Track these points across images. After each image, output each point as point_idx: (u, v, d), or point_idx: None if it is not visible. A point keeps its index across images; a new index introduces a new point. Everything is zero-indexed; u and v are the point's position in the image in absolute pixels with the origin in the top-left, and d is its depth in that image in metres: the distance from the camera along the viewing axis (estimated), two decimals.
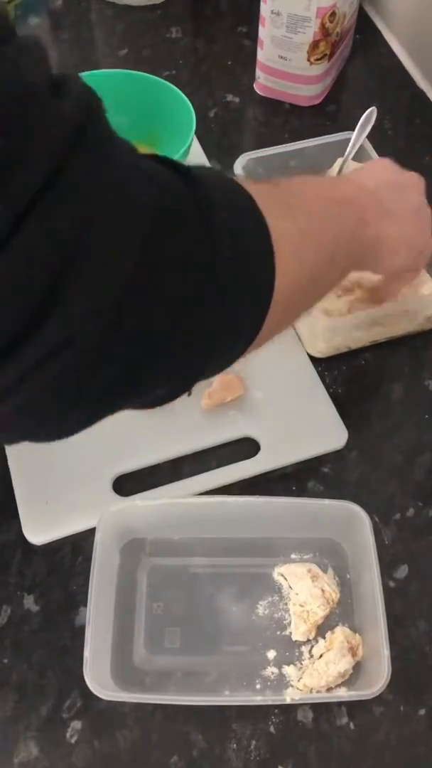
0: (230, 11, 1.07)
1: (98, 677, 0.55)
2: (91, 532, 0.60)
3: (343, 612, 0.61)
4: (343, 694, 0.56)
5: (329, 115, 0.95)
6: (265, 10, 0.88)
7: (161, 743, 0.56)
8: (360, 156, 0.82)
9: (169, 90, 0.82)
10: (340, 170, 0.81)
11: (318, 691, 0.56)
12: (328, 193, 0.56)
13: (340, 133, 0.82)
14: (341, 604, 0.61)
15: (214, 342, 0.40)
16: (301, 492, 0.67)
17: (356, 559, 0.62)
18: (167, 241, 0.36)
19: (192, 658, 0.59)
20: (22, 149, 0.30)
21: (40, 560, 0.63)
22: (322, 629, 0.60)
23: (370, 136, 0.82)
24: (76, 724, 0.57)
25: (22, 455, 0.67)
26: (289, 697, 0.56)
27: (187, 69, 1.00)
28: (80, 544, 0.63)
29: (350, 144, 0.81)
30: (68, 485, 0.66)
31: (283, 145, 0.81)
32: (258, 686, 0.57)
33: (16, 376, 0.32)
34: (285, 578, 0.61)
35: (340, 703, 0.58)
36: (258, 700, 0.57)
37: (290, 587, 0.61)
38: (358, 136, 0.81)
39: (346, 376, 0.74)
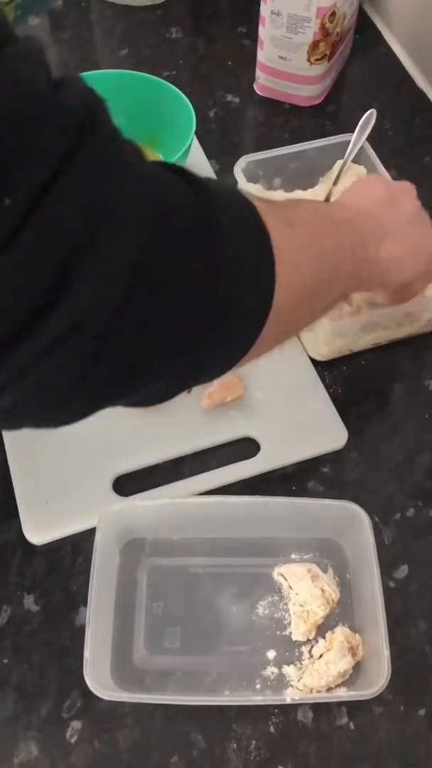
0: (230, 11, 1.07)
1: (98, 677, 0.55)
2: (91, 532, 0.60)
3: (343, 612, 0.61)
4: (343, 694, 0.56)
5: (329, 115, 0.95)
6: (265, 10, 0.88)
7: (161, 743, 0.56)
8: (360, 157, 0.82)
9: (169, 90, 0.82)
10: (340, 172, 0.81)
11: (318, 691, 0.56)
12: (326, 213, 0.57)
13: (340, 135, 0.82)
14: (341, 604, 0.61)
15: (213, 340, 0.40)
16: (301, 492, 0.67)
17: (356, 559, 0.62)
18: (170, 236, 0.36)
19: (192, 658, 0.59)
20: (28, 146, 0.31)
21: (40, 560, 0.63)
22: (322, 629, 0.60)
23: (370, 137, 0.82)
24: (76, 724, 0.57)
25: (22, 455, 0.67)
26: (289, 697, 0.56)
27: (187, 69, 1.00)
28: (80, 544, 0.63)
29: (350, 146, 0.81)
30: (68, 485, 0.66)
31: (283, 147, 0.81)
32: (258, 686, 0.57)
33: (25, 361, 0.33)
34: (285, 578, 0.61)
35: (340, 703, 0.58)
36: (258, 700, 0.57)
37: (290, 587, 0.61)
38: (357, 138, 0.81)
39: (346, 376, 0.74)
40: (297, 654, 0.59)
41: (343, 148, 0.82)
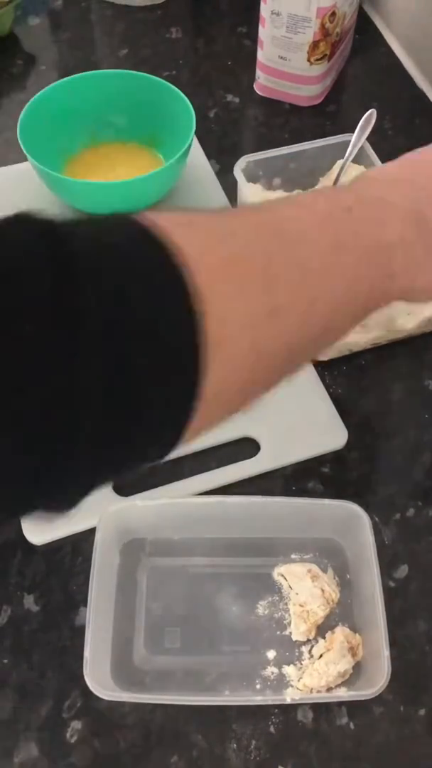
0: (230, 11, 1.07)
1: (98, 677, 0.55)
2: (91, 532, 0.60)
3: (343, 612, 0.61)
4: (343, 694, 0.56)
5: (329, 115, 0.96)
6: (265, 10, 0.88)
7: (161, 743, 0.56)
8: (360, 157, 0.82)
9: (169, 90, 0.82)
10: (340, 172, 0.81)
11: (318, 691, 0.56)
12: (337, 236, 0.39)
13: (340, 135, 0.82)
14: (341, 604, 0.61)
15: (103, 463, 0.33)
16: (301, 492, 0.67)
17: (356, 559, 0.62)
18: (14, 319, 0.26)
19: (192, 658, 0.59)
20: None
21: (40, 560, 0.63)
22: (322, 629, 0.60)
23: (370, 137, 0.82)
24: (76, 724, 0.57)
25: None
26: (289, 697, 0.56)
27: (187, 69, 1.00)
28: (80, 544, 0.63)
29: (350, 146, 0.81)
30: None
31: (283, 147, 0.81)
32: (258, 686, 0.57)
33: None
34: (285, 578, 0.61)
35: (340, 703, 0.58)
36: (258, 700, 0.57)
37: (290, 587, 0.61)
38: (357, 138, 0.81)
39: (347, 376, 0.74)
40: (297, 654, 0.59)
41: (343, 148, 0.82)
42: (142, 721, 0.57)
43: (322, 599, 0.60)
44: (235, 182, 0.80)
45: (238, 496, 0.63)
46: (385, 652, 0.54)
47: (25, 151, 0.76)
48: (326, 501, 0.62)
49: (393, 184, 0.45)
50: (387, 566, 0.63)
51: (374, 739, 0.57)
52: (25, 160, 0.77)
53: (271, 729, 0.57)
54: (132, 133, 0.86)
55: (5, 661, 0.59)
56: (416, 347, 0.76)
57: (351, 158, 0.81)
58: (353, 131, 0.82)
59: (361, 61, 1.02)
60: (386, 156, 0.82)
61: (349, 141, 0.81)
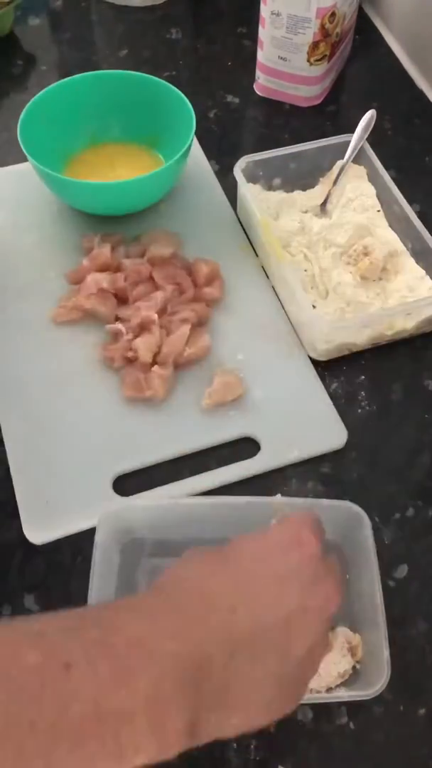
0: (230, 12, 1.08)
1: None
2: (91, 532, 0.60)
3: (343, 612, 0.60)
4: (342, 694, 0.56)
5: (329, 115, 0.96)
6: (265, 10, 0.88)
7: None
8: (360, 158, 0.83)
9: (169, 91, 0.82)
10: (340, 172, 0.81)
11: (318, 692, 0.56)
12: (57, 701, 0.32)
13: (340, 136, 0.83)
14: (341, 604, 0.61)
15: None
16: (301, 492, 0.67)
17: (356, 560, 0.61)
18: None
19: None
20: None
21: (40, 560, 0.63)
22: None
23: (370, 137, 0.82)
24: None
25: (22, 455, 0.67)
26: None
27: (187, 70, 1.00)
28: (80, 544, 0.63)
29: (350, 147, 0.81)
30: (68, 485, 0.66)
31: (283, 148, 0.81)
32: None
33: None
34: None
35: (339, 703, 0.58)
36: None
37: None
38: (358, 139, 0.81)
39: (346, 376, 0.74)
40: None
41: (343, 149, 0.82)
42: None
43: None
44: (235, 182, 0.80)
45: (238, 497, 0.63)
46: (385, 653, 0.54)
47: (25, 151, 0.76)
48: (326, 501, 0.62)
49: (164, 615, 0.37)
50: (387, 566, 0.63)
51: (374, 739, 0.57)
52: (25, 160, 0.77)
53: (271, 729, 0.57)
54: (132, 134, 0.86)
55: None
56: (416, 347, 0.76)
57: (351, 159, 0.82)
58: (353, 131, 0.82)
59: (361, 61, 1.02)
60: (386, 156, 0.83)
61: (349, 141, 0.82)
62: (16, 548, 0.63)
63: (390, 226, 0.81)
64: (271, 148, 0.81)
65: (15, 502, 0.65)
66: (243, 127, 0.95)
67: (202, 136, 0.89)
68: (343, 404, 0.71)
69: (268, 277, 0.79)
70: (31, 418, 0.69)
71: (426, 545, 0.65)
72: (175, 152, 0.77)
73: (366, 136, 0.82)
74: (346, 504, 0.61)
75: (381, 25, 1.05)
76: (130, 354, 0.71)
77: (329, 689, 0.57)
